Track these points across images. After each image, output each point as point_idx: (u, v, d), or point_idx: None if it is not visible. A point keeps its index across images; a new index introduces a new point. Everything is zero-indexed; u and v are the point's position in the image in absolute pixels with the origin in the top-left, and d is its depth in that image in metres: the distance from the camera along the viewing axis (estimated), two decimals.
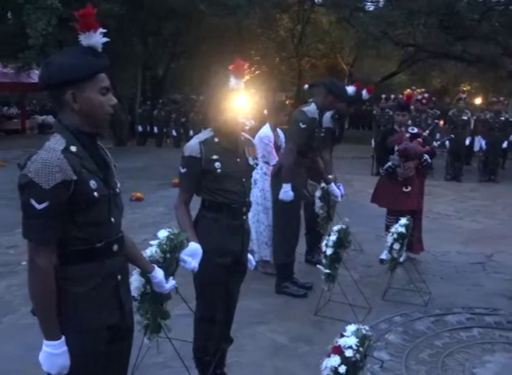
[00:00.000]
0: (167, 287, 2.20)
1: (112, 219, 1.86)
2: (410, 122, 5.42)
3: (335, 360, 2.24)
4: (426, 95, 11.33)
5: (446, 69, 23.38)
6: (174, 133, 16.73)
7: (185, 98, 19.24)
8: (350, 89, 4.45)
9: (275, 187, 4.39)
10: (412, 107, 11.02)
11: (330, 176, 4.74)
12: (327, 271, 3.92)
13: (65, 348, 1.74)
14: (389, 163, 5.15)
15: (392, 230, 4.36)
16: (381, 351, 3.50)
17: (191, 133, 16.46)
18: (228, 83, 2.63)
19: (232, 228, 2.74)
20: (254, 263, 2.95)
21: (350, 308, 3.95)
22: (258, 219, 4.89)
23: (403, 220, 4.38)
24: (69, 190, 1.69)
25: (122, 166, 11.20)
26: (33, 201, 1.66)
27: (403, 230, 4.31)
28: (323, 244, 4.02)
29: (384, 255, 4.79)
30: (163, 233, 2.36)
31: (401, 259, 4.60)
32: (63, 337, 1.74)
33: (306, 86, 7.26)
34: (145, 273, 2.17)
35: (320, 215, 4.76)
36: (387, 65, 24.18)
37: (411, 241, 4.86)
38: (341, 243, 3.97)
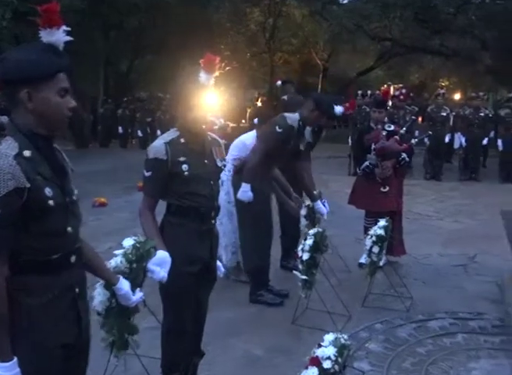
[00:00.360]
0: (134, 300, 2.16)
1: (69, 229, 1.82)
2: (386, 119, 5.46)
3: (312, 372, 2.22)
4: (404, 91, 11.47)
5: (424, 63, 23.78)
6: (140, 133, 16.60)
7: (151, 95, 19.10)
8: (338, 109, 4.45)
9: (237, 186, 4.39)
10: (389, 103, 11.16)
11: (315, 193, 4.72)
12: (304, 277, 3.91)
13: (18, 369, 1.68)
14: (367, 163, 5.19)
15: (371, 232, 4.39)
16: (361, 361, 3.49)
17: (158, 133, 16.34)
18: (197, 78, 2.60)
19: (201, 233, 2.72)
20: (223, 270, 2.94)
21: (329, 316, 3.95)
22: (222, 222, 4.88)
23: (382, 222, 4.41)
24: (22, 198, 1.65)
25: (84, 169, 11.09)
26: None
27: (382, 232, 4.33)
28: (299, 248, 4.01)
29: (363, 259, 4.80)
30: (128, 242, 2.32)
31: (381, 263, 4.63)
32: (15, 359, 1.68)
33: (279, 82, 7.27)
34: (110, 286, 2.13)
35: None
36: (364, 60, 24.46)
37: (391, 243, 4.90)
38: (318, 247, 3.97)
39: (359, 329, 3.97)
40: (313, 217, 4.77)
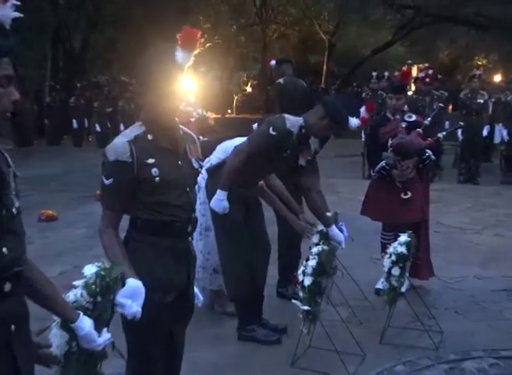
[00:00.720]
0: (99, 342, 2.13)
1: (4, 250, 1.81)
2: (407, 107, 5.50)
3: None
4: (430, 72, 11.55)
5: (456, 37, 23.93)
6: (98, 128, 16.60)
7: (112, 80, 19.12)
8: (354, 122, 4.47)
9: (212, 191, 4.39)
10: (412, 88, 11.22)
11: (328, 214, 4.67)
12: (306, 308, 3.92)
13: None
14: (382, 163, 5.22)
15: (390, 250, 4.40)
16: None
17: (122, 128, 16.33)
18: (172, 58, 2.61)
19: (176, 253, 2.73)
20: (201, 299, 2.96)
21: (338, 357, 3.95)
22: (201, 238, 4.92)
23: (404, 237, 4.43)
24: None
25: (28, 173, 11.06)
26: None
27: (403, 249, 4.35)
28: (299, 271, 4.02)
29: (380, 284, 4.82)
30: (90, 269, 2.28)
31: (403, 289, 4.65)
32: None
33: (273, 62, 7.31)
34: (67, 324, 2.11)
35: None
36: (379, 33, 24.60)
37: (415, 263, 4.92)
38: (323, 269, 3.98)
39: (376, 372, 3.98)
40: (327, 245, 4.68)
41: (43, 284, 2.01)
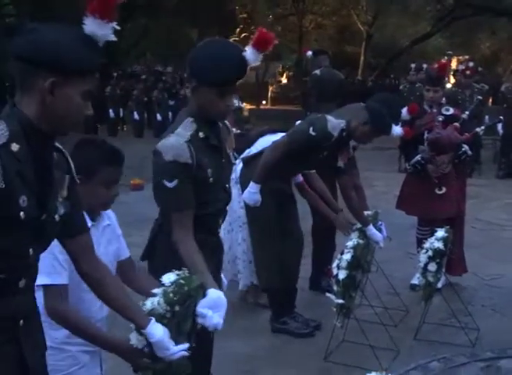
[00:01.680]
0: (173, 351, 2.07)
1: (30, 251, 1.84)
2: (444, 100, 5.44)
3: None
4: (470, 64, 11.39)
5: (497, 29, 23.59)
6: (136, 116, 16.65)
7: (147, 69, 19.25)
8: (396, 131, 4.42)
9: (245, 182, 4.41)
10: (451, 80, 11.10)
11: (368, 214, 4.66)
12: (340, 301, 3.93)
13: None
14: (418, 157, 5.19)
15: (427, 245, 4.39)
16: None
17: (158, 117, 16.47)
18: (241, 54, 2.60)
19: (211, 247, 2.76)
20: (226, 283, 3.00)
21: (371, 352, 3.96)
22: (233, 229, 4.96)
23: (441, 232, 4.41)
24: None
25: None
26: None
27: (440, 245, 4.33)
28: (334, 265, 4.03)
29: (416, 280, 4.80)
30: (169, 278, 2.24)
31: (439, 285, 4.63)
32: None
33: (309, 53, 7.29)
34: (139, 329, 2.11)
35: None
36: (418, 24, 24.35)
37: (450, 259, 4.89)
38: (358, 263, 3.98)
39: (410, 368, 3.96)
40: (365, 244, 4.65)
41: (113, 287, 2.06)
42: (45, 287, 2.19)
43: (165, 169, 2.58)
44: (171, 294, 2.17)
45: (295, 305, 4.65)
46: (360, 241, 4.14)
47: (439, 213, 5.12)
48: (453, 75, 11.73)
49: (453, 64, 16.38)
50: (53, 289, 2.19)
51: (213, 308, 2.30)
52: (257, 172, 4.28)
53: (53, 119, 1.79)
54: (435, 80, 5.32)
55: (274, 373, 3.94)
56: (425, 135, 5.13)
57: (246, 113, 7.61)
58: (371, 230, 4.46)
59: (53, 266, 2.11)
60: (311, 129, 4.20)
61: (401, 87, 12.70)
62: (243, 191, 4.41)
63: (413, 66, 12.49)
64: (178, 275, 2.24)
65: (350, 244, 4.09)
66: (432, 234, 4.50)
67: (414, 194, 5.30)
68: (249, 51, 2.59)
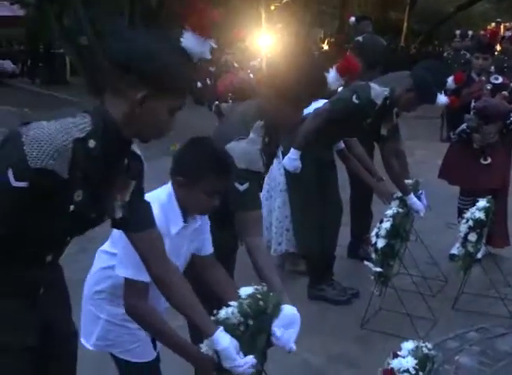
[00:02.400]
0: (239, 363, 2.06)
1: (68, 238, 1.94)
2: (493, 68, 5.34)
3: None
4: None
5: None
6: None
7: None
8: (441, 99, 4.34)
9: (286, 148, 4.41)
10: (498, 48, 10.83)
11: (409, 183, 4.60)
12: (378, 270, 3.94)
13: None
14: (464, 126, 5.12)
15: (468, 215, 4.35)
16: None
17: (198, 84, 16.19)
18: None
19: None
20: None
21: (408, 320, 3.97)
22: (272, 196, 5.01)
23: (483, 202, 4.36)
24: (44, 181, 1.67)
25: None
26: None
27: (481, 215, 4.29)
28: (373, 233, 4.03)
29: (455, 250, 4.77)
30: (246, 291, 2.22)
31: (479, 255, 4.59)
32: None
33: (352, 19, 7.20)
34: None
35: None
36: None
37: (492, 230, 4.84)
38: (397, 232, 3.97)
39: (447, 337, 3.98)
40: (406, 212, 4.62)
41: (182, 292, 2.09)
42: (128, 280, 2.19)
43: (236, 173, 2.57)
44: (245, 307, 2.15)
45: (333, 272, 4.68)
46: (400, 210, 4.13)
47: (482, 184, 5.06)
48: (500, 42, 11.46)
49: (501, 30, 15.97)
50: (136, 285, 2.19)
51: (288, 326, 2.31)
52: (298, 138, 4.27)
53: (137, 128, 1.80)
54: (485, 48, 5.23)
55: (310, 339, 3.96)
56: (472, 104, 5.05)
57: None
58: (412, 199, 4.44)
59: (140, 263, 2.09)
60: (354, 97, 4.17)
61: (445, 55, 12.45)
62: (283, 158, 4.42)
63: (458, 32, 12.22)
64: (256, 289, 2.23)
65: (389, 212, 4.08)
66: (473, 205, 4.46)
67: (458, 163, 5.25)
68: (332, 74, 2.62)
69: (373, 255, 3.99)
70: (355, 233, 5.38)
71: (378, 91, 4.17)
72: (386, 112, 4.30)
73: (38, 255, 1.89)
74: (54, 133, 1.65)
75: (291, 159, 4.28)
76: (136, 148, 1.96)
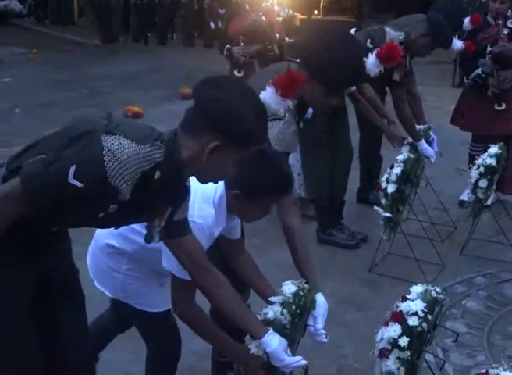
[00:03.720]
0: (287, 362, 2.13)
1: (81, 229, 2.01)
2: (510, 12, 5.23)
3: (394, 330, 2.28)
4: None
5: None
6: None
7: None
8: (457, 45, 4.23)
9: None
10: None
11: (420, 128, 4.56)
12: (387, 215, 3.94)
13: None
14: (478, 70, 5.04)
15: (479, 161, 4.33)
16: (456, 320, 3.57)
17: (212, 25, 15.87)
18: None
19: None
20: None
21: (417, 265, 4.00)
22: None
23: (494, 149, 4.33)
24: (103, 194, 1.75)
25: (114, 70, 11.26)
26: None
27: (492, 161, 4.26)
28: (383, 178, 4.02)
29: (465, 196, 4.78)
30: (290, 288, 2.27)
31: (488, 202, 4.60)
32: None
33: None
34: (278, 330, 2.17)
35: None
36: None
37: (503, 177, 4.83)
38: (407, 177, 3.97)
39: (455, 282, 4.01)
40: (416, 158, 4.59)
41: (229, 299, 2.14)
42: (176, 279, 2.20)
43: None
44: (293, 307, 2.20)
45: (342, 216, 4.69)
46: (411, 155, 4.11)
47: (495, 130, 5.02)
48: None
49: None
50: (184, 284, 2.19)
51: (323, 315, 2.37)
52: None
53: (198, 171, 1.86)
54: None
55: (320, 281, 3.97)
56: (488, 48, 4.96)
57: (297, 23, 7.47)
58: (423, 144, 4.42)
59: None
60: (368, 41, 4.10)
61: None
62: None
63: None
64: (298, 286, 2.28)
65: (400, 157, 4.06)
66: (485, 151, 4.43)
67: (471, 109, 5.19)
68: (371, 60, 2.55)
69: (383, 200, 3.99)
70: (364, 177, 5.36)
71: (393, 35, 4.12)
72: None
73: (49, 229, 1.98)
74: (132, 157, 1.70)
75: None
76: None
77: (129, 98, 8.76)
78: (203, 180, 1.92)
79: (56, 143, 1.77)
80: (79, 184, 1.69)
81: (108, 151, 1.68)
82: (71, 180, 1.69)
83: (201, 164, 1.81)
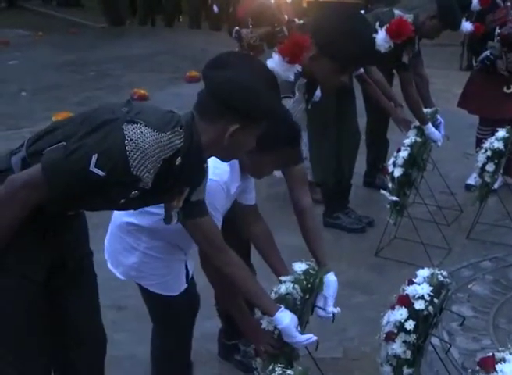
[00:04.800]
0: (299, 340, 2.17)
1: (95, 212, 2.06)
2: None
3: (400, 313, 2.28)
4: None
5: None
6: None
7: None
8: (466, 27, 4.20)
9: None
10: None
11: (427, 111, 4.53)
12: (394, 198, 3.94)
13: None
14: (487, 52, 5.00)
15: (486, 145, 4.31)
16: (462, 304, 3.57)
17: (215, 8, 15.77)
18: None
19: None
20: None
21: (423, 249, 3.99)
22: None
23: (502, 132, 4.31)
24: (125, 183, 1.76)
25: (120, 52, 11.21)
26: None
27: (500, 145, 4.25)
28: (390, 162, 4.01)
29: (472, 180, 4.76)
30: (300, 267, 2.35)
31: (495, 186, 4.57)
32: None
33: None
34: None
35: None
36: None
37: (511, 160, 4.81)
38: (414, 161, 3.95)
39: (461, 266, 4.01)
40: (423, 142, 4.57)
41: (242, 279, 2.17)
42: None
43: None
44: (304, 282, 2.26)
45: (348, 200, 4.69)
46: (418, 139, 4.09)
47: (504, 113, 4.98)
48: None
49: None
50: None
51: (333, 296, 2.43)
52: None
53: (220, 153, 1.90)
54: None
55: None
56: (497, 31, 4.93)
57: (305, 5, 7.40)
58: (430, 128, 4.39)
59: None
60: (377, 24, 4.07)
61: None
62: None
63: None
64: (308, 265, 2.35)
65: (407, 141, 4.05)
66: (492, 135, 4.41)
67: (479, 92, 5.15)
68: (381, 36, 2.53)
69: (389, 184, 3.98)
70: (371, 161, 5.35)
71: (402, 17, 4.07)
72: (408, 39, 4.20)
73: (66, 214, 2.00)
74: (153, 146, 1.71)
75: None
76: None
77: (136, 80, 8.74)
78: (225, 159, 1.97)
79: (76, 130, 1.78)
80: (100, 173, 1.70)
81: (130, 140, 1.69)
82: (92, 168, 1.70)
83: (223, 146, 1.83)
